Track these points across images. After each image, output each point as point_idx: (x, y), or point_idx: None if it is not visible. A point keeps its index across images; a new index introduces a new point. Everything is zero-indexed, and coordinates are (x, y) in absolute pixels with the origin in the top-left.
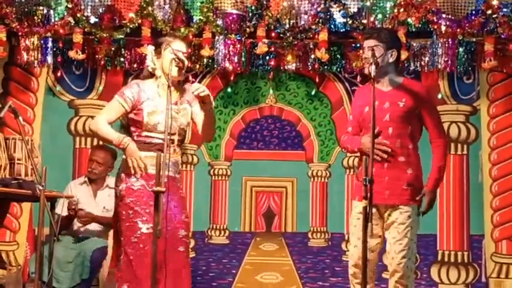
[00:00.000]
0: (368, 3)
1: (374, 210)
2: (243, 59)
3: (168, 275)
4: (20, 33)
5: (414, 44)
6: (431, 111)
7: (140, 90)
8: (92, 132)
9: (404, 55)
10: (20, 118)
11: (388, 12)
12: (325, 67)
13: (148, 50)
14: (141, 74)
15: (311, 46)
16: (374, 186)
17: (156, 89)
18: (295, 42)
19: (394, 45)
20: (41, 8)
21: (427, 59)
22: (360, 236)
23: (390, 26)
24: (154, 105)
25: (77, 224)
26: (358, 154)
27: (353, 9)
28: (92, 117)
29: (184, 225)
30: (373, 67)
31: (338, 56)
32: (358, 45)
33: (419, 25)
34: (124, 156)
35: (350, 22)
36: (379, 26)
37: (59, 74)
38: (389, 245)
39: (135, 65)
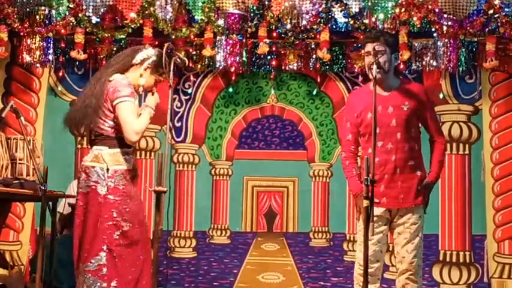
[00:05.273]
0: (369, 3)
1: (383, 212)
2: (244, 59)
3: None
4: (21, 34)
5: (416, 44)
6: (431, 111)
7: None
8: (140, 133)
9: (406, 55)
10: (22, 118)
11: (390, 12)
12: (327, 67)
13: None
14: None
15: (312, 46)
16: (388, 192)
17: None
18: (297, 42)
19: (397, 48)
20: (43, 8)
21: (428, 58)
22: (376, 238)
23: (392, 26)
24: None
25: None
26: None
27: (354, 9)
28: None
29: None
30: (375, 68)
31: (339, 55)
32: (359, 45)
33: (421, 25)
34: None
35: (351, 22)
36: (380, 26)
37: (60, 74)
38: (400, 245)
39: None
